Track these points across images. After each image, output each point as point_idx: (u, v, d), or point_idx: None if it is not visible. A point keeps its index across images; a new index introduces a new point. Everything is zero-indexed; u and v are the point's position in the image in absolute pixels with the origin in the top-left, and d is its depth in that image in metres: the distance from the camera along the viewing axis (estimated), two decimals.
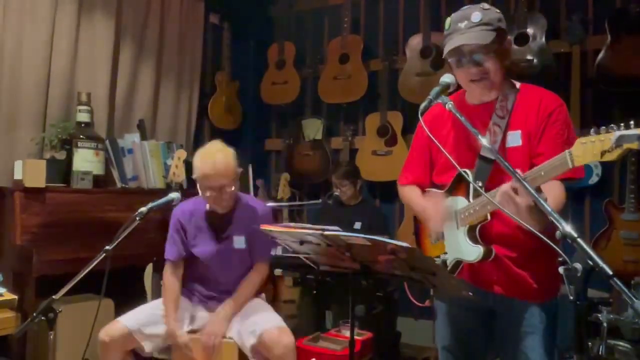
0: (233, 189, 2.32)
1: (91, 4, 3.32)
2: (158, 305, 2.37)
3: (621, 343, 2.40)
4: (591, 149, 1.19)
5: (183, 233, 2.42)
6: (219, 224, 2.41)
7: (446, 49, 1.60)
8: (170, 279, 2.40)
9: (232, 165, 2.32)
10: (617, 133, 1.12)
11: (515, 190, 1.36)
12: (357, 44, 4.08)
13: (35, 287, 2.58)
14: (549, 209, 1.16)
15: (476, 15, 1.55)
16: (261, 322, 2.23)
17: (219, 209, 2.35)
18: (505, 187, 1.38)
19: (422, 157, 1.84)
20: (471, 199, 1.61)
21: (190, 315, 2.39)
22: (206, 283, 2.45)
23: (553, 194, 1.46)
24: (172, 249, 2.43)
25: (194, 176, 2.31)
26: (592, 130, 1.20)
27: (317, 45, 4.41)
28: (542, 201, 1.20)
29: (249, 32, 4.54)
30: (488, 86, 1.61)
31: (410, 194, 1.87)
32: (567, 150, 1.27)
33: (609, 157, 1.15)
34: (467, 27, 1.56)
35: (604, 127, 1.17)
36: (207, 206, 2.42)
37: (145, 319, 2.27)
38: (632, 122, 1.12)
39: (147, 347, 2.25)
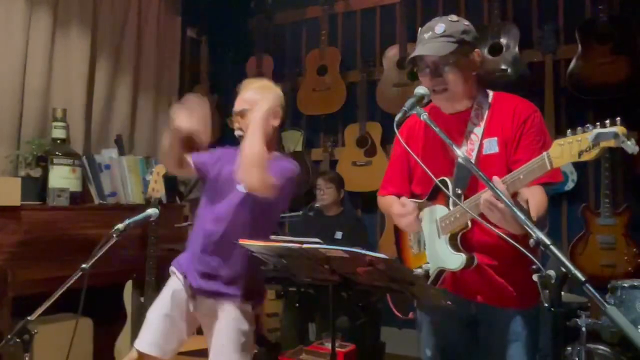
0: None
1: (66, 19, 3.28)
2: (157, 312, 2.12)
3: (601, 347, 2.43)
4: (569, 150, 1.20)
5: (211, 158, 2.19)
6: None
7: (408, 58, 1.65)
8: None
9: (263, 93, 2.11)
10: (595, 131, 1.13)
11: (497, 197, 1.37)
12: (335, 56, 4.12)
13: (11, 308, 2.52)
14: (523, 217, 1.18)
15: (440, 27, 1.59)
16: (218, 353, 2.00)
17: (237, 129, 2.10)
18: (487, 194, 1.39)
19: (400, 169, 1.85)
20: (451, 207, 1.61)
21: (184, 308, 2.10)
22: (202, 238, 2.07)
23: (536, 200, 1.47)
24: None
25: None
26: (568, 132, 1.21)
27: (295, 57, 4.43)
28: (515, 209, 1.21)
29: (227, 46, 4.55)
30: (448, 97, 1.63)
31: (387, 202, 1.87)
32: (545, 152, 1.29)
33: (586, 157, 1.16)
34: (430, 38, 1.60)
35: (580, 128, 1.18)
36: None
37: (155, 330, 2.06)
38: (607, 122, 1.14)
39: (168, 354, 2.05)
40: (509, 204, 1.25)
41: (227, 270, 2.04)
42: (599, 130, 1.13)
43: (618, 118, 1.13)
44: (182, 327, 2.10)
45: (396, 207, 1.71)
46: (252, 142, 1.98)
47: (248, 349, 2.06)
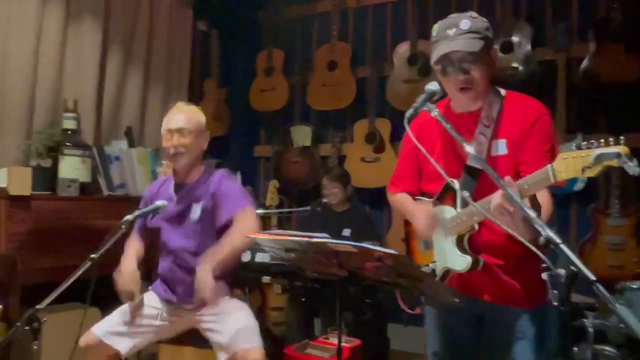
0: (194, 145, 2.25)
1: (79, 10, 3.30)
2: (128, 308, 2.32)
3: (607, 348, 2.42)
4: (573, 165, 1.20)
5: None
6: (179, 192, 2.33)
7: (434, 56, 1.60)
8: (133, 239, 2.39)
9: (198, 116, 2.31)
10: (597, 151, 1.14)
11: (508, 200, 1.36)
12: (346, 51, 4.11)
13: (21, 296, 2.55)
14: (533, 215, 1.17)
15: (465, 23, 1.56)
16: (236, 337, 2.16)
17: (174, 162, 2.28)
18: (499, 198, 1.38)
19: (410, 166, 1.85)
20: (459, 209, 1.61)
21: (160, 315, 2.31)
22: (171, 269, 2.31)
23: (543, 202, 1.47)
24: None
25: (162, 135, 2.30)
26: (573, 145, 1.21)
27: (305, 52, 4.42)
28: (525, 208, 1.21)
29: (238, 39, 4.55)
30: (474, 96, 1.62)
31: (401, 200, 1.87)
32: (549, 165, 1.28)
33: (589, 173, 1.17)
34: (456, 35, 1.56)
35: (585, 143, 1.18)
36: (172, 178, 2.37)
37: (117, 322, 2.24)
38: (611, 140, 1.14)
39: (122, 348, 2.21)
40: (519, 202, 1.24)
41: None
42: (601, 150, 1.14)
43: (622, 137, 1.13)
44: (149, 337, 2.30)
45: (419, 215, 1.72)
46: (226, 248, 2.16)
47: None
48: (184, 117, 2.27)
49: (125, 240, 2.27)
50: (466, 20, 1.57)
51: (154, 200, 2.33)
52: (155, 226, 2.38)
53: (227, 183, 2.30)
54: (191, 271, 2.19)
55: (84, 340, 2.19)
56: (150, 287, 2.41)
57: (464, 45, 1.55)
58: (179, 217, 2.31)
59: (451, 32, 1.57)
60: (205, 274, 2.10)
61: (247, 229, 2.10)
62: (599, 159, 1.13)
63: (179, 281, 2.29)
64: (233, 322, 2.21)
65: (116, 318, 2.27)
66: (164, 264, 2.36)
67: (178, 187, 2.36)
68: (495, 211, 1.39)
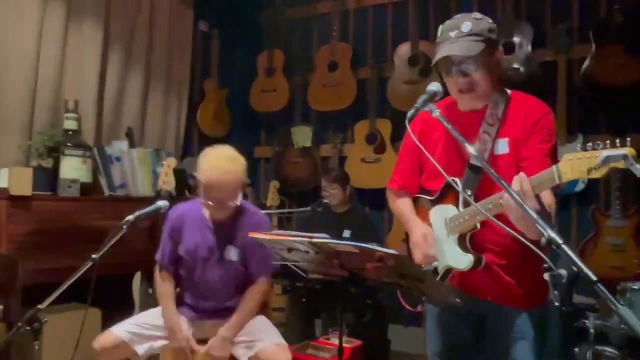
0: (236, 196, 2.22)
1: (79, 11, 3.30)
2: (151, 312, 2.36)
3: (608, 349, 2.42)
4: (578, 166, 1.21)
5: (177, 236, 2.34)
6: (215, 231, 2.31)
7: (435, 58, 1.61)
8: (161, 280, 2.37)
9: (241, 179, 2.22)
10: (605, 153, 1.15)
11: (523, 194, 1.35)
12: (346, 52, 4.11)
13: (21, 297, 2.54)
14: (535, 216, 1.17)
15: (466, 25, 1.56)
16: (260, 337, 2.21)
17: (216, 215, 2.28)
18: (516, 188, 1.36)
19: (411, 162, 1.84)
20: (460, 208, 1.61)
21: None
22: (196, 296, 2.35)
23: (547, 202, 1.47)
24: (160, 251, 2.39)
25: (198, 177, 2.19)
26: (578, 146, 1.22)
27: (306, 53, 4.42)
28: (527, 207, 1.21)
29: (238, 40, 4.55)
30: (474, 98, 1.62)
31: (401, 207, 1.86)
32: (554, 166, 1.29)
33: (595, 175, 1.18)
34: (457, 37, 1.56)
35: (590, 144, 1.19)
36: (204, 211, 2.33)
37: (138, 325, 2.26)
38: (617, 141, 1.15)
39: (141, 350, 2.22)
40: (520, 201, 1.24)
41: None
42: (608, 152, 1.15)
43: (628, 139, 1.14)
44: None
45: (416, 234, 1.73)
46: (246, 318, 2.28)
47: None
48: (228, 183, 2.17)
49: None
50: (468, 23, 1.57)
51: (180, 232, 2.34)
52: (188, 261, 2.34)
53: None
54: (221, 308, 2.28)
55: (100, 341, 2.20)
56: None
57: (462, 49, 1.55)
58: (215, 256, 2.31)
59: (452, 34, 1.57)
60: (227, 345, 2.20)
61: (261, 298, 2.32)
62: (606, 160, 1.14)
63: (204, 317, 2.32)
64: (255, 323, 2.27)
65: (139, 322, 2.29)
66: (194, 298, 2.36)
67: (214, 224, 2.32)
68: (508, 202, 1.36)
